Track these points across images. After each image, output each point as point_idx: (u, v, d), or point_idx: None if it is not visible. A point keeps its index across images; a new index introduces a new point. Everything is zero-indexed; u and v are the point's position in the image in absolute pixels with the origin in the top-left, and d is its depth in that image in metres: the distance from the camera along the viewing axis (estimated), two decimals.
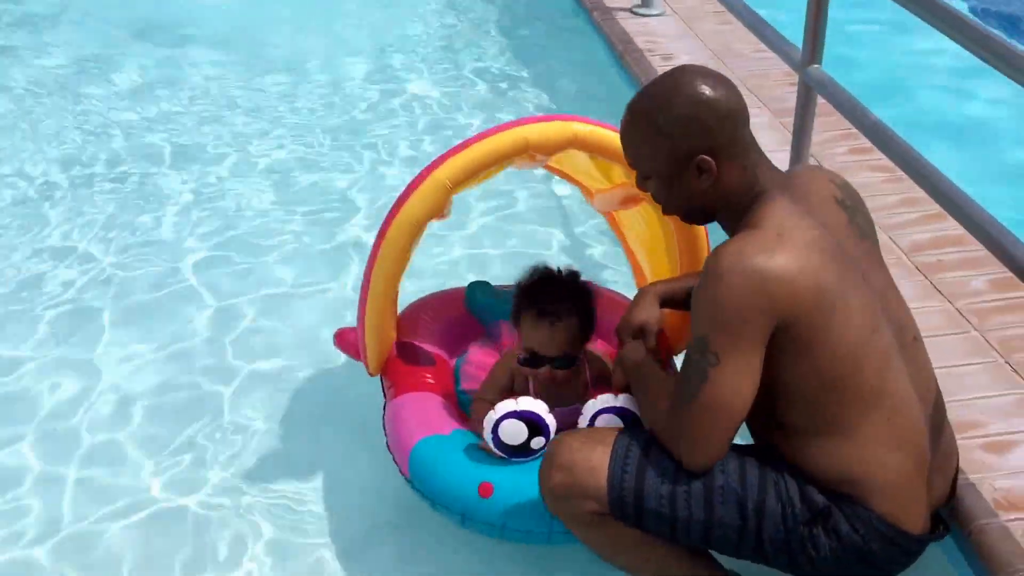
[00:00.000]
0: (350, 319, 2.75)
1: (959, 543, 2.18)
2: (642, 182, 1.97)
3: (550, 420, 2.11)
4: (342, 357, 2.82)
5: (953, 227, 2.73)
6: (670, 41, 4.87)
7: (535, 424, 2.10)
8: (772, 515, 1.88)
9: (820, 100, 3.25)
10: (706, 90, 1.84)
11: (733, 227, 1.91)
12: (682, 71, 1.91)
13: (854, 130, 3.18)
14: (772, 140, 3.79)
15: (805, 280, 1.77)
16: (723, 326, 1.78)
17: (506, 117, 4.51)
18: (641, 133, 1.90)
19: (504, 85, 4.93)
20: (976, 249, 2.76)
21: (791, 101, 3.47)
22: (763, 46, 3.71)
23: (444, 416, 2.33)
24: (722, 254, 1.80)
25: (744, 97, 1.89)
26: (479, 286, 2.78)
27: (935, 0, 2.59)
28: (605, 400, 2.09)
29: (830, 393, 1.83)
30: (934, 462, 1.95)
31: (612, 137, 2.21)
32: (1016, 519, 2.14)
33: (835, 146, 3.73)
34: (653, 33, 4.97)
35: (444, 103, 4.73)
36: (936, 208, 2.73)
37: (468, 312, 2.74)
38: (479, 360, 2.61)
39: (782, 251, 1.77)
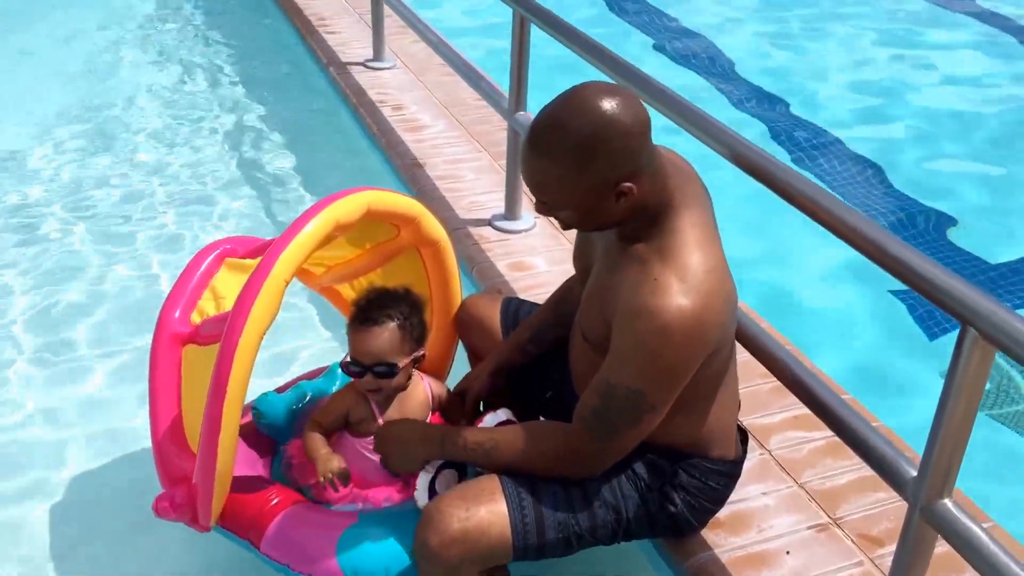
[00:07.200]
0: None
1: (657, 548, 2.42)
2: (549, 211, 1.90)
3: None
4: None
5: None
6: (401, 92, 5.21)
7: (463, 465, 2.21)
8: (631, 498, 2.07)
9: None
10: (623, 116, 1.76)
11: (641, 231, 1.90)
12: (587, 98, 1.78)
13: None
14: (491, 182, 4.15)
15: (731, 312, 1.91)
16: (666, 381, 1.84)
17: (252, 173, 4.74)
18: (559, 171, 1.80)
19: (245, 140, 5.10)
20: None
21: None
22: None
23: (336, 513, 2.23)
24: (661, 306, 1.77)
25: (468, 142, 1.99)
26: (263, 401, 2.53)
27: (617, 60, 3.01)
28: (498, 416, 2.22)
29: (698, 384, 1.95)
30: None
31: (394, 199, 2.35)
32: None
33: None
34: (385, 85, 5.29)
35: (185, 166, 4.84)
36: None
37: (258, 429, 2.52)
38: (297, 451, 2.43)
39: (711, 291, 1.81)
